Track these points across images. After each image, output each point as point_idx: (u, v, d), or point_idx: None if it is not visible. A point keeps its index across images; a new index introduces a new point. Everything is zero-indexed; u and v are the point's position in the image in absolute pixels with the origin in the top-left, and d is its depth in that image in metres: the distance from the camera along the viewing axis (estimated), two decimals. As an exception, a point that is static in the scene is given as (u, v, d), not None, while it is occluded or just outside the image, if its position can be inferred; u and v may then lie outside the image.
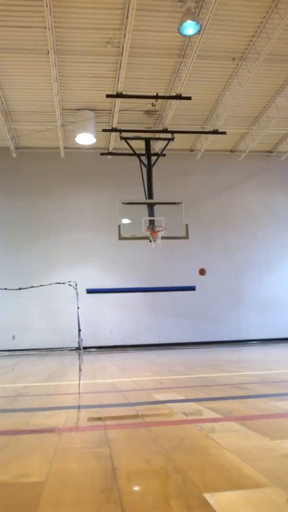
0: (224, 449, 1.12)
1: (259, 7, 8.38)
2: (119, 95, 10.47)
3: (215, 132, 12.35)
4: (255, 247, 14.43)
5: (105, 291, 13.39)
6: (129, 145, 10.70)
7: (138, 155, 10.71)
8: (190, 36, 8.65)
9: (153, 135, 12.16)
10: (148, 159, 10.91)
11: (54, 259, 13.34)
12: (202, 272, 12.29)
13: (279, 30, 8.44)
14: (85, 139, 12.11)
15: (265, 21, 8.68)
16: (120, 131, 11.02)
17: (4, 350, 12.42)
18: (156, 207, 10.22)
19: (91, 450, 1.18)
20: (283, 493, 0.81)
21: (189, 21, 7.91)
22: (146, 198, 10.53)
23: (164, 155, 11.74)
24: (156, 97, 10.15)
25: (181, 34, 8.26)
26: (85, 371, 4.38)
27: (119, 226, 9.90)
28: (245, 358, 5.59)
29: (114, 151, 13.35)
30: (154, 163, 11.08)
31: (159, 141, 12.87)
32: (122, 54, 9.27)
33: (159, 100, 10.76)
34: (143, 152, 10.94)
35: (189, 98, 10.51)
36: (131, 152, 10.67)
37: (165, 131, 11.88)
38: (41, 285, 12.35)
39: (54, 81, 10.01)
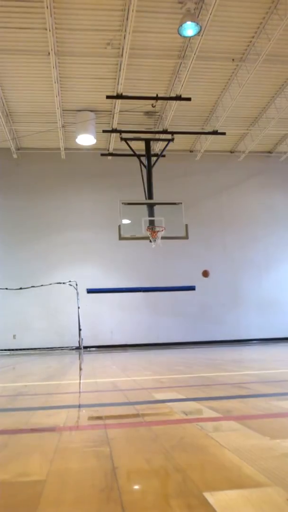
0: (224, 448, 1.13)
1: (259, 8, 8.39)
2: (119, 96, 10.48)
3: (215, 132, 12.36)
4: (254, 247, 14.44)
5: (105, 291, 13.40)
6: (129, 146, 10.72)
7: (138, 156, 10.73)
8: (190, 37, 8.65)
9: (153, 136, 12.18)
10: (148, 159, 10.93)
11: (54, 259, 13.36)
12: (205, 274, 12.27)
13: (279, 31, 8.45)
14: (86, 140, 12.12)
15: (265, 22, 8.69)
16: (120, 132, 11.04)
17: (5, 350, 12.42)
18: (156, 208, 10.23)
19: (91, 449, 1.19)
20: (283, 492, 0.81)
21: (189, 22, 7.92)
22: (146, 199, 10.54)
23: (164, 155, 11.75)
24: (156, 98, 10.16)
25: (181, 35, 8.27)
26: (86, 370, 4.38)
27: (119, 226, 9.91)
28: (245, 357, 5.59)
29: (114, 152, 13.37)
30: (154, 163, 11.09)
31: (159, 142, 12.89)
32: (122, 55, 9.28)
33: (159, 101, 10.77)
34: (143, 152, 10.96)
35: (189, 99, 10.52)
36: (131, 152, 10.68)
37: (165, 132, 11.90)
38: (42, 285, 12.36)
39: (55, 82, 10.02)
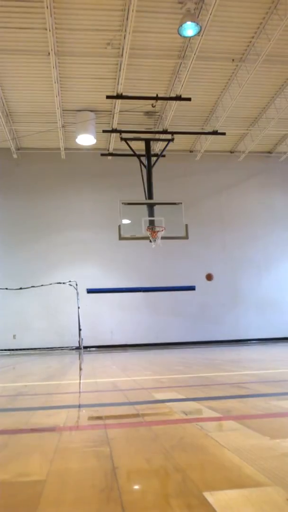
0: (224, 448, 1.13)
1: (259, 8, 8.39)
2: (119, 96, 10.48)
3: (215, 133, 12.36)
4: (254, 246, 14.45)
5: (105, 290, 13.41)
6: (129, 146, 10.72)
7: (138, 156, 10.73)
8: (190, 37, 8.65)
9: (153, 136, 12.18)
10: (148, 159, 10.93)
11: (54, 259, 13.36)
12: (209, 277, 12.22)
13: (279, 31, 8.45)
14: (86, 140, 12.13)
15: (265, 22, 8.69)
16: (120, 132, 11.04)
17: (5, 350, 12.43)
18: (156, 207, 10.23)
19: (91, 449, 1.19)
20: (283, 492, 0.81)
21: (188, 23, 7.91)
22: (146, 199, 10.54)
23: (164, 155, 11.76)
24: (156, 98, 10.17)
25: (181, 35, 8.26)
26: (86, 370, 4.39)
27: (119, 226, 9.91)
28: (244, 357, 5.59)
29: (114, 152, 13.37)
30: (154, 163, 11.10)
31: (159, 142, 12.89)
32: (122, 55, 9.28)
33: (159, 101, 10.77)
34: (143, 153, 10.96)
35: (188, 99, 10.52)
36: (131, 153, 10.68)
37: (165, 132, 11.91)
38: (42, 285, 12.36)
39: (55, 82, 10.03)
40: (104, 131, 11.67)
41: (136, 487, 0.89)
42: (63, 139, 12.94)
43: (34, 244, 13.36)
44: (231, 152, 14.80)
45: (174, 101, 10.87)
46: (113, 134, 12.27)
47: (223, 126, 12.36)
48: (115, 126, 11.80)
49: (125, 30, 8.54)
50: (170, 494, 0.83)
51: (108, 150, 13.64)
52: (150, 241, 10.08)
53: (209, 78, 10.59)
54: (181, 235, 10.17)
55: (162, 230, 9.87)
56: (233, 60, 9.85)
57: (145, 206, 10.27)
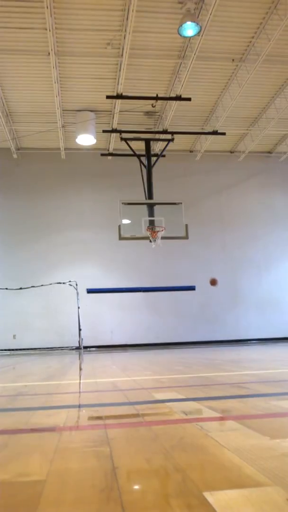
0: (224, 448, 1.13)
1: (259, 8, 8.39)
2: (119, 96, 10.48)
3: (215, 133, 12.36)
4: (254, 246, 14.45)
5: (105, 290, 13.41)
6: (129, 146, 10.72)
7: (138, 156, 10.73)
8: (190, 37, 8.66)
9: (153, 136, 12.18)
10: (148, 159, 10.93)
11: (54, 259, 13.36)
12: (213, 282, 12.09)
13: (279, 31, 8.45)
14: (86, 140, 12.13)
15: (265, 22, 8.69)
16: (120, 132, 11.04)
17: (5, 350, 12.43)
18: (156, 208, 10.24)
19: (91, 449, 1.19)
20: (283, 492, 0.81)
21: (188, 23, 7.92)
22: (146, 199, 10.54)
23: (164, 156, 11.76)
24: (156, 98, 10.17)
25: (181, 35, 8.26)
26: (86, 370, 4.39)
27: (119, 226, 9.91)
28: (244, 357, 5.59)
29: (114, 152, 13.37)
30: (154, 163, 11.10)
31: (159, 142, 12.89)
32: (122, 55, 9.28)
33: (159, 101, 10.77)
34: (143, 153, 10.96)
35: (188, 99, 10.52)
36: (131, 153, 10.68)
37: (165, 132, 11.91)
38: (42, 285, 12.36)
39: (55, 82, 10.03)
40: (104, 131, 11.67)
41: (136, 487, 0.89)
42: (63, 139, 12.94)
43: (34, 244, 13.36)
44: (231, 152, 14.80)
45: (174, 101, 10.87)
46: (113, 134, 12.28)
47: (223, 126, 12.36)
48: (115, 126, 11.80)
49: (125, 30, 8.54)
50: (170, 494, 0.83)
51: (108, 150, 13.64)
52: (150, 241, 10.08)
53: (209, 78, 10.59)
54: (181, 235, 10.17)
55: (162, 230, 9.87)
56: (233, 60, 9.85)
57: (145, 206, 10.27)
